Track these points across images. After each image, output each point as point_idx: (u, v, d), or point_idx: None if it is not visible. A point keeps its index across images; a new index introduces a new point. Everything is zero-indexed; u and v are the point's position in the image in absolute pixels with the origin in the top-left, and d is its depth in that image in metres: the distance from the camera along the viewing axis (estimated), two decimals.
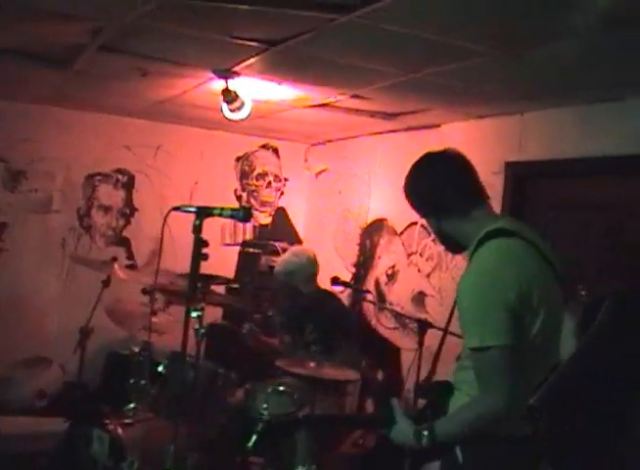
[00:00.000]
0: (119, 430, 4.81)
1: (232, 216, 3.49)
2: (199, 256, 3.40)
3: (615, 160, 4.70)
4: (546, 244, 3.15)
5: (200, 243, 3.40)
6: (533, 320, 2.91)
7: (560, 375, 3.44)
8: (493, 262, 2.95)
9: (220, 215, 3.49)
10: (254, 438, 5.05)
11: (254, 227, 8.49)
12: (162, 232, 3.50)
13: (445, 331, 3.75)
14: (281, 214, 8.64)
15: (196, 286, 3.43)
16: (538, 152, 5.37)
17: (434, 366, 3.87)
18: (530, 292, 2.89)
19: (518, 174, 5.56)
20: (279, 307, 6.39)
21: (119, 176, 7.79)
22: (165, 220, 3.39)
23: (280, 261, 6.09)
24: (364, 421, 5.09)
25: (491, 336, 2.84)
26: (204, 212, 3.44)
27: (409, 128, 6.77)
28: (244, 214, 3.46)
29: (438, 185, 3.19)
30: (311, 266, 6.00)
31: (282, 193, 8.71)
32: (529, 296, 2.89)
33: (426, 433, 3.00)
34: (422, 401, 3.52)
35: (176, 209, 3.49)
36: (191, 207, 3.47)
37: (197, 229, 3.41)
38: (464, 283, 2.99)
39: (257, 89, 5.56)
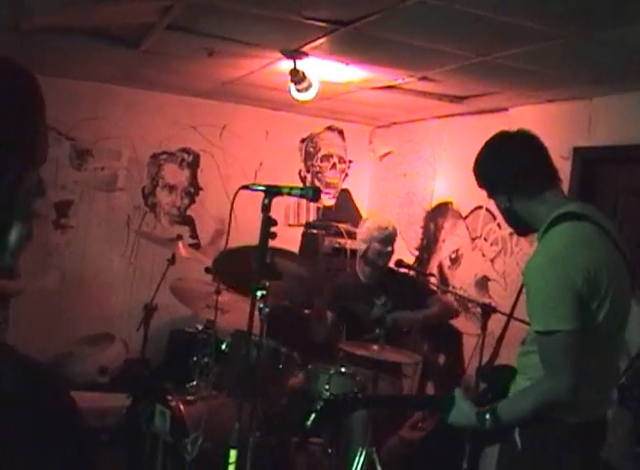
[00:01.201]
0: (181, 407, 4.85)
1: (301, 195, 3.47)
2: (267, 234, 3.39)
3: None
4: (616, 229, 3.11)
5: (268, 222, 3.39)
6: (600, 306, 2.89)
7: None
8: (562, 247, 2.92)
9: (289, 194, 3.46)
10: (313, 416, 5.04)
11: (318, 209, 8.48)
12: (231, 211, 3.49)
13: (510, 315, 3.72)
14: (345, 196, 8.62)
15: (263, 264, 3.41)
16: (607, 137, 5.29)
17: (497, 350, 3.84)
18: (599, 277, 2.86)
19: (586, 159, 5.48)
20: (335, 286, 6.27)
21: (185, 156, 7.82)
22: (234, 200, 3.38)
23: (371, 225, 5.96)
24: (423, 403, 5.07)
25: (556, 320, 2.83)
26: (273, 191, 3.42)
27: (476, 112, 6.70)
28: (313, 194, 3.43)
29: (512, 164, 3.18)
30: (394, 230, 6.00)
31: (346, 175, 8.68)
32: (597, 281, 2.86)
33: (488, 415, 2.99)
34: (483, 385, 3.51)
35: (245, 187, 3.48)
36: (260, 185, 3.45)
37: (265, 208, 3.39)
38: (532, 266, 2.97)
39: (325, 70, 5.54)
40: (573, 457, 3.03)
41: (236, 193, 3.39)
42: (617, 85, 5.07)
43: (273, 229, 3.43)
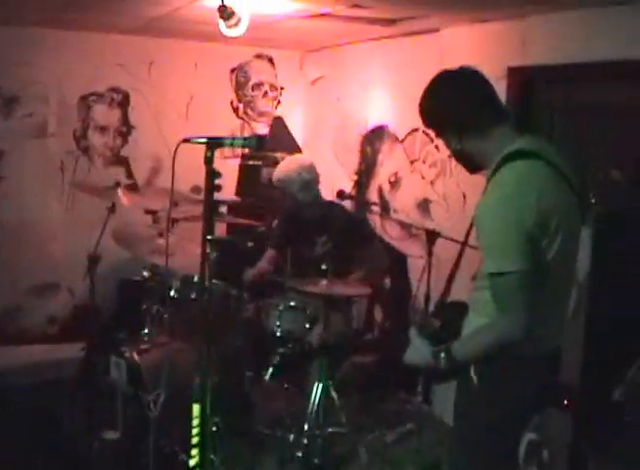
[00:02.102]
0: (136, 356, 4.84)
1: (244, 146, 3.44)
2: (212, 187, 3.35)
3: (620, 64, 4.61)
4: (566, 163, 3.11)
5: (213, 174, 3.35)
6: (550, 244, 2.92)
7: None
8: (512, 187, 2.91)
9: (232, 146, 3.44)
10: (271, 371, 5.13)
11: None
12: (173, 166, 3.43)
13: (462, 250, 3.74)
14: (279, 124, 8.52)
15: (212, 219, 3.37)
16: (542, 56, 5.26)
17: (449, 286, 3.88)
18: (549, 216, 2.88)
19: (521, 79, 5.46)
20: (279, 221, 6.29)
21: (114, 95, 7.65)
22: (175, 155, 3.32)
23: (277, 170, 5.92)
24: (378, 345, 5.14)
25: (508, 261, 2.84)
26: (215, 144, 3.37)
27: (408, 34, 6.62)
28: (257, 143, 3.39)
29: (460, 103, 3.12)
30: (305, 173, 5.79)
31: (279, 102, 8.60)
32: (548, 220, 2.88)
33: (443, 354, 3.03)
34: (437, 323, 3.54)
35: (186, 141, 3.42)
36: (201, 138, 3.40)
37: (209, 161, 3.35)
38: (482, 206, 2.96)
39: (254, 2, 5.42)
40: (528, 387, 3.10)
41: (176, 147, 3.33)
42: (551, 4, 5.03)
43: (218, 181, 3.39)
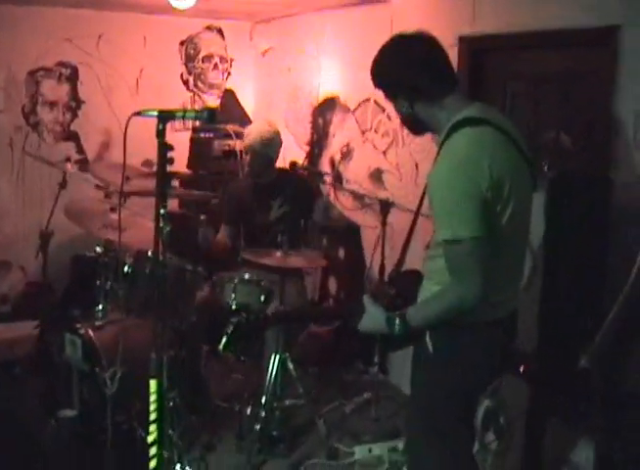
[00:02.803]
0: (91, 333, 4.79)
1: (196, 118, 3.40)
2: (165, 161, 3.31)
3: (571, 32, 4.62)
4: (516, 129, 3.12)
5: (165, 147, 3.31)
6: (504, 209, 2.92)
7: (606, 334, 3.41)
8: (463, 154, 2.91)
9: (184, 118, 3.38)
10: (225, 340, 5.08)
11: None
12: (125, 140, 3.39)
13: (415, 218, 3.74)
14: (229, 96, 8.47)
15: (165, 192, 3.33)
16: (492, 25, 5.25)
17: (403, 255, 3.88)
18: (501, 181, 2.88)
19: (472, 47, 5.46)
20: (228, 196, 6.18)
21: (62, 70, 7.55)
22: (127, 128, 3.27)
23: (253, 132, 5.81)
24: (332, 313, 5.12)
25: (462, 228, 2.84)
26: (166, 117, 3.32)
27: (359, 3, 6.59)
28: (208, 116, 3.34)
29: (414, 66, 3.10)
30: (280, 136, 5.90)
31: (229, 74, 8.54)
32: (501, 185, 2.88)
33: (397, 321, 3.03)
34: (392, 291, 3.54)
35: (137, 114, 3.36)
36: (152, 111, 3.33)
37: (160, 134, 3.30)
38: (435, 174, 2.96)
39: None
40: (483, 353, 3.12)
41: (128, 121, 3.27)
42: None
43: (170, 154, 3.35)
